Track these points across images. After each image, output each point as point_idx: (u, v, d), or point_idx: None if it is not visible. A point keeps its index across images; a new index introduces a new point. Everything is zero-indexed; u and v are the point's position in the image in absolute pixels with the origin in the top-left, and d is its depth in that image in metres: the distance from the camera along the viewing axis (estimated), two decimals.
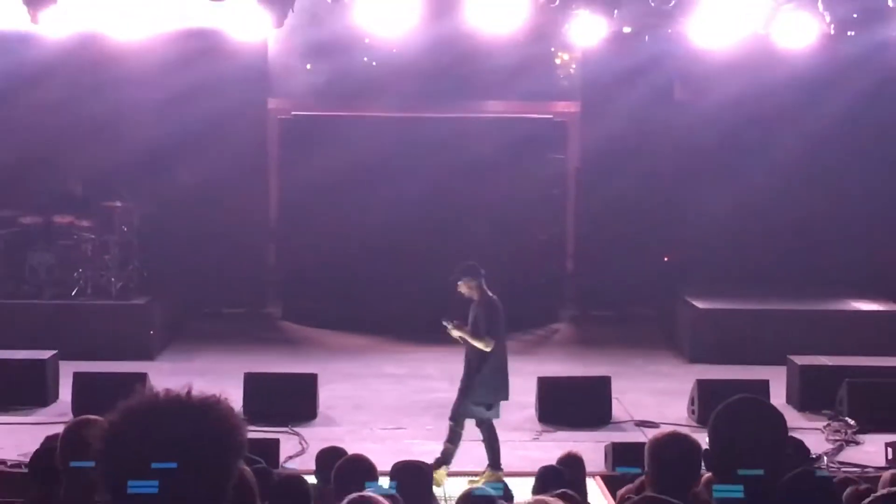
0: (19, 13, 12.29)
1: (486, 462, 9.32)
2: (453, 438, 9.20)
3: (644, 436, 9.53)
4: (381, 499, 3.87)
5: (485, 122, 16.44)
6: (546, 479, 6.73)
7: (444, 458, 9.10)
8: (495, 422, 9.55)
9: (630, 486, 5.02)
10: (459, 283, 9.13)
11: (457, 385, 9.78)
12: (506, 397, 9.52)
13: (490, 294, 9.25)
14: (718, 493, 2.94)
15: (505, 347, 9.74)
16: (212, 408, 1.76)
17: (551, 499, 3.24)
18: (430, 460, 8.86)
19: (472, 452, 9.86)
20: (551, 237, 16.00)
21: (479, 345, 9.02)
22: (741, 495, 3.01)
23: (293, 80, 16.38)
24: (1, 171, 14.10)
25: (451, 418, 9.27)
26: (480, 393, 9.24)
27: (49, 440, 5.51)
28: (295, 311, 15.49)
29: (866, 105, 14.45)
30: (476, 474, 9.06)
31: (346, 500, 3.67)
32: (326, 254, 15.12)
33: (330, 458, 6.90)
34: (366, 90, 16.16)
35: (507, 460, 9.51)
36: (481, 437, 9.52)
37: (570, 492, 5.59)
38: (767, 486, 2.86)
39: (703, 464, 4.12)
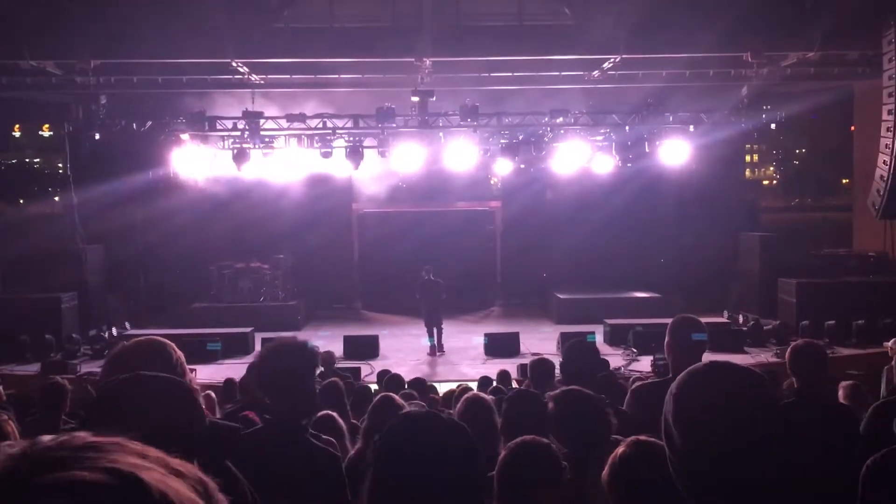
0: (230, 166, 17.49)
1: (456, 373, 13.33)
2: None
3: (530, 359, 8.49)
4: (399, 399, 4.38)
5: (456, 211, 21.08)
6: (484, 383, 8.90)
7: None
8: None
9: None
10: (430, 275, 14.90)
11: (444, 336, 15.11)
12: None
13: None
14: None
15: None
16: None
17: (486, 395, 3.99)
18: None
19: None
20: (489, 264, 21.12)
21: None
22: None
23: (363, 194, 20.80)
24: (225, 240, 19.30)
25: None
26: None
27: (248, 369, 6.68)
28: (368, 305, 20.63)
29: (636, 195, 19.09)
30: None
31: (378, 396, 4.25)
32: (381, 276, 20.18)
33: (383, 375, 8.92)
34: (398, 197, 20.97)
35: (468, 374, 12.22)
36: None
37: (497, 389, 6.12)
38: (590, 380, 3.86)
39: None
